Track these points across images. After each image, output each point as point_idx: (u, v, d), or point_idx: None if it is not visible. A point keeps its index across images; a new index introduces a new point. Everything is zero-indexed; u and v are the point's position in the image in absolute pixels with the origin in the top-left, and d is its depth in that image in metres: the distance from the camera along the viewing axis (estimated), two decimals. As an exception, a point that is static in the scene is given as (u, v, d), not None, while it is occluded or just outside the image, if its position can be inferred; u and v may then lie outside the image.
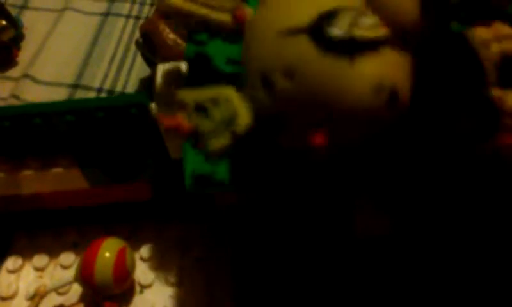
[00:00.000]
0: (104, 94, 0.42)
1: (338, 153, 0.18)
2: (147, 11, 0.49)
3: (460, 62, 0.19)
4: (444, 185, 0.20)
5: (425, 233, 0.23)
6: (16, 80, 0.44)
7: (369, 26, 0.16)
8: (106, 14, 0.49)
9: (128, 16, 0.49)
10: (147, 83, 0.42)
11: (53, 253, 0.32)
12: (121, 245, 0.29)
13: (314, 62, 0.16)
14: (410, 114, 0.18)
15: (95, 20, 0.48)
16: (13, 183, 0.29)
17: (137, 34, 0.46)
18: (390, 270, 0.25)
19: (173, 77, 0.27)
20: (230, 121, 0.18)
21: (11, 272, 0.31)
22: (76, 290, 0.30)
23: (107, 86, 0.43)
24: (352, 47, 0.16)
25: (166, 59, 0.37)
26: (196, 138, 0.19)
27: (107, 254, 0.28)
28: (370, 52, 0.16)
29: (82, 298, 0.30)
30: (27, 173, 0.29)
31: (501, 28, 0.19)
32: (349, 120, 0.17)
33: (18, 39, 0.46)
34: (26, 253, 0.32)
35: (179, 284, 0.30)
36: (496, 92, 0.18)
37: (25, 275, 0.31)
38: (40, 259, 0.32)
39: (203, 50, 0.25)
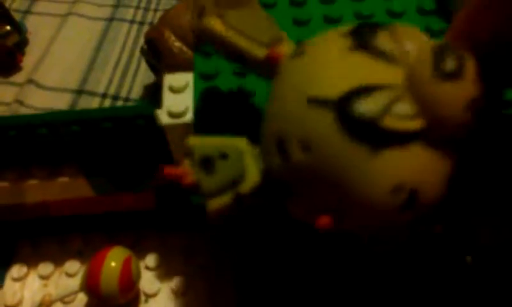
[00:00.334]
0: (108, 100, 0.42)
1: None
2: (151, 16, 0.49)
3: None
4: None
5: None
6: (21, 85, 0.44)
7: (403, 115, 0.14)
8: (110, 19, 0.49)
9: (132, 22, 0.49)
10: (152, 89, 0.42)
11: (58, 261, 0.32)
12: (126, 255, 0.29)
13: (333, 141, 0.14)
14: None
15: (99, 25, 0.48)
16: (18, 192, 0.29)
17: (141, 40, 0.46)
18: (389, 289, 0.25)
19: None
20: (235, 180, 0.17)
21: (15, 280, 0.31)
22: (81, 299, 0.30)
23: (111, 91, 0.43)
24: (378, 136, 0.14)
25: (171, 67, 0.37)
26: (196, 192, 0.18)
27: (113, 264, 0.28)
28: (398, 146, 0.14)
29: (88, 307, 0.30)
30: (33, 182, 0.29)
31: None
32: (359, 211, 0.15)
33: (22, 44, 0.46)
34: (31, 261, 0.32)
35: (183, 293, 0.30)
36: None
37: (30, 283, 0.31)
38: (45, 268, 0.32)
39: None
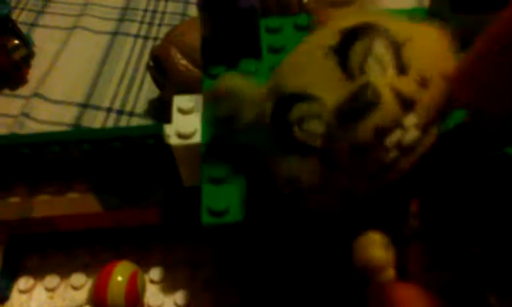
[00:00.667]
0: (113, 114, 0.43)
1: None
2: (155, 31, 0.50)
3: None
4: None
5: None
6: (27, 98, 0.44)
7: (310, 132, 0.17)
8: (115, 33, 0.50)
9: (136, 36, 0.50)
10: (156, 104, 0.43)
11: (64, 274, 0.33)
12: (133, 270, 0.30)
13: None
14: None
15: (104, 39, 0.49)
16: (28, 207, 0.30)
17: (146, 54, 0.47)
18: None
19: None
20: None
21: (22, 292, 0.32)
22: (88, 312, 0.31)
23: (116, 106, 0.43)
24: (288, 139, 0.17)
25: (176, 84, 0.38)
26: None
27: (119, 279, 0.29)
28: (298, 153, 0.17)
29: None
30: (43, 197, 0.30)
31: None
32: None
33: (28, 57, 0.46)
34: (37, 273, 0.33)
35: (187, 306, 0.31)
36: None
37: (37, 295, 0.32)
38: (51, 280, 0.32)
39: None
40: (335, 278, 0.27)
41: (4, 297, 0.31)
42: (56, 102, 0.44)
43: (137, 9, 0.53)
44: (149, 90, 0.44)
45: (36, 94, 0.44)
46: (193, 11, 0.52)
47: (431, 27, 0.18)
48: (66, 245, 0.34)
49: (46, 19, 0.52)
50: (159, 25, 0.51)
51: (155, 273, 0.32)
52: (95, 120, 0.42)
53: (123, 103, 0.44)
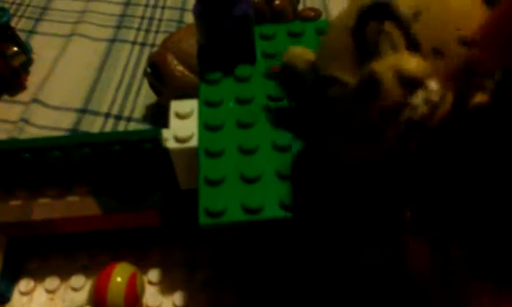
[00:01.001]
0: (111, 120, 0.44)
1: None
2: (152, 38, 0.51)
3: None
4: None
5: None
6: (26, 104, 0.45)
7: None
8: (113, 40, 0.51)
9: (134, 43, 0.51)
10: (154, 110, 0.44)
11: (64, 276, 0.33)
12: (132, 271, 0.30)
13: None
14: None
15: (102, 46, 0.50)
16: (28, 210, 0.31)
17: (143, 61, 0.48)
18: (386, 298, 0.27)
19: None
20: None
21: (23, 293, 0.33)
22: (88, 313, 0.31)
23: (114, 111, 0.44)
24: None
25: (173, 89, 0.39)
26: None
27: (119, 279, 0.29)
28: None
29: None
30: (43, 200, 0.30)
31: None
32: None
33: (27, 64, 0.47)
34: (38, 275, 0.33)
35: (186, 307, 0.32)
36: None
37: (37, 297, 0.33)
38: (52, 282, 0.33)
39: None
40: (332, 278, 0.28)
41: (5, 299, 0.32)
42: (55, 107, 0.45)
43: (134, 16, 0.54)
44: (146, 96, 0.45)
45: (35, 100, 0.45)
46: (189, 18, 0.53)
47: None
48: (66, 248, 0.34)
49: (44, 26, 0.53)
50: (156, 32, 0.52)
51: (153, 274, 0.33)
52: (93, 125, 0.43)
53: (121, 109, 0.44)
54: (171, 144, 0.27)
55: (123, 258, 0.32)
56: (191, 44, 0.40)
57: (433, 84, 0.16)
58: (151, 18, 0.53)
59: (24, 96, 0.46)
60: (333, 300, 0.28)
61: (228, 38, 0.27)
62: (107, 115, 0.44)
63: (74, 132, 0.42)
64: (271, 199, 0.23)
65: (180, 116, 0.28)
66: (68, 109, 0.45)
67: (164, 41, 0.41)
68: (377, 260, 0.25)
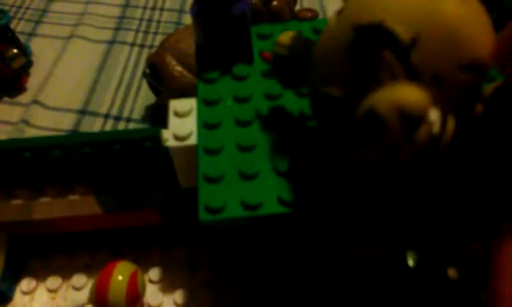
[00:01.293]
0: (111, 120, 0.44)
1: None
2: (151, 39, 0.51)
3: None
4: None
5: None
6: (26, 105, 0.45)
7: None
8: (112, 42, 0.51)
9: (132, 45, 0.51)
10: (153, 110, 0.44)
11: (65, 275, 0.34)
12: (133, 269, 0.30)
13: None
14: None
15: (101, 48, 0.51)
16: (29, 209, 0.31)
17: (142, 62, 0.48)
18: (383, 296, 0.27)
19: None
20: None
21: (25, 293, 0.33)
22: (89, 311, 0.32)
23: (113, 112, 0.45)
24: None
25: (172, 89, 0.39)
26: None
27: (120, 278, 0.30)
28: None
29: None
30: (44, 200, 0.31)
31: None
32: None
33: (27, 66, 0.48)
34: (39, 275, 0.34)
35: (186, 305, 0.32)
36: None
37: (39, 296, 0.33)
38: (53, 281, 0.33)
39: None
40: (330, 276, 0.28)
41: (7, 298, 0.32)
42: (55, 108, 0.45)
43: (133, 18, 0.54)
44: (145, 96, 0.46)
45: (35, 102, 0.45)
46: (187, 19, 0.53)
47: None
48: (67, 248, 0.35)
49: (44, 29, 0.53)
50: (155, 33, 0.52)
51: (154, 273, 0.33)
52: (93, 126, 0.43)
53: (121, 110, 0.45)
54: (170, 142, 0.28)
55: (124, 257, 0.32)
56: (189, 44, 0.40)
57: (434, 115, 0.16)
58: (149, 20, 0.54)
59: (24, 97, 0.46)
60: (331, 298, 0.29)
61: (225, 38, 0.28)
62: (106, 116, 0.44)
63: (74, 133, 0.43)
64: (270, 196, 0.23)
65: (179, 115, 0.28)
66: (68, 110, 0.45)
67: (163, 42, 0.41)
68: (374, 260, 0.25)
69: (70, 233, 0.33)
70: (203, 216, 0.23)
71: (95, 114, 0.45)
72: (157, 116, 0.44)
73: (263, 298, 0.30)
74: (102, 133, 0.36)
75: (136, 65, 0.49)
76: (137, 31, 0.52)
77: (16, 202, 0.30)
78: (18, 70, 0.46)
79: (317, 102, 0.20)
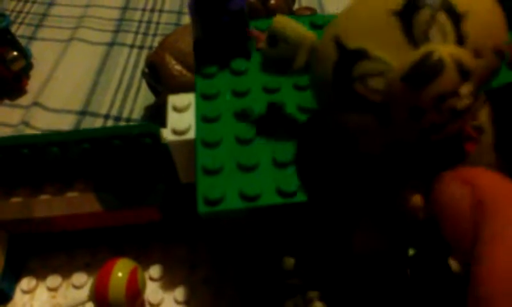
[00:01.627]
0: (111, 121, 0.44)
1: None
2: (150, 41, 0.52)
3: None
4: None
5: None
6: (26, 107, 0.46)
7: (371, 87, 0.18)
8: (111, 44, 0.51)
9: (132, 46, 0.51)
10: (152, 110, 0.45)
11: (66, 274, 0.34)
12: (133, 266, 0.30)
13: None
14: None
15: (101, 50, 0.51)
16: (29, 207, 0.31)
17: (141, 63, 0.49)
18: (382, 287, 0.27)
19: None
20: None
21: (25, 292, 0.33)
22: (89, 309, 0.32)
23: (113, 113, 0.45)
24: (349, 94, 0.18)
25: (171, 89, 0.39)
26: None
27: (120, 275, 0.29)
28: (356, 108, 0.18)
29: (95, 317, 0.32)
30: (43, 197, 0.31)
31: None
32: None
33: (27, 68, 0.48)
34: (40, 274, 0.34)
35: (187, 302, 0.32)
36: None
37: (39, 295, 0.33)
38: (53, 280, 0.33)
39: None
40: (334, 273, 0.28)
41: (7, 297, 0.32)
42: (55, 110, 0.45)
43: (132, 20, 0.54)
44: (145, 97, 0.46)
45: (36, 104, 0.45)
46: (186, 20, 0.54)
47: None
48: (67, 246, 0.35)
49: (44, 32, 0.53)
50: (154, 35, 0.52)
51: (154, 270, 0.33)
52: (93, 126, 0.44)
53: (121, 110, 0.45)
54: (169, 136, 0.28)
55: (124, 255, 0.32)
56: (188, 44, 0.40)
57: (470, 86, 0.17)
58: (148, 22, 0.54)
59: (24, 100, 0.47)
60: (331, 291, 0.29)
61: (223, 33, 0.28)
62: (106, 116, 0.44)
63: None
64: (268, 187, 0.23)
65: (177, 110, 0.28)
66: (68, 112, 0.45)
67: (162, 42, 0.41)
68: (374, 250, 0.25)
69: (70, 231, 0.33)
70: (202, 208, 0.23)
71: (95, 114, 0.45)
72: (157, 116, 0.44)
73: (263, 293, 0.30)
74: (101, 129, 0.36)
75: (136, 66, 0.49)
76: (136, 32, 0.53)
77: (16, 200, 0.30)
78: (19, 72, 0.46)
79: (345, 66, 0.20)
